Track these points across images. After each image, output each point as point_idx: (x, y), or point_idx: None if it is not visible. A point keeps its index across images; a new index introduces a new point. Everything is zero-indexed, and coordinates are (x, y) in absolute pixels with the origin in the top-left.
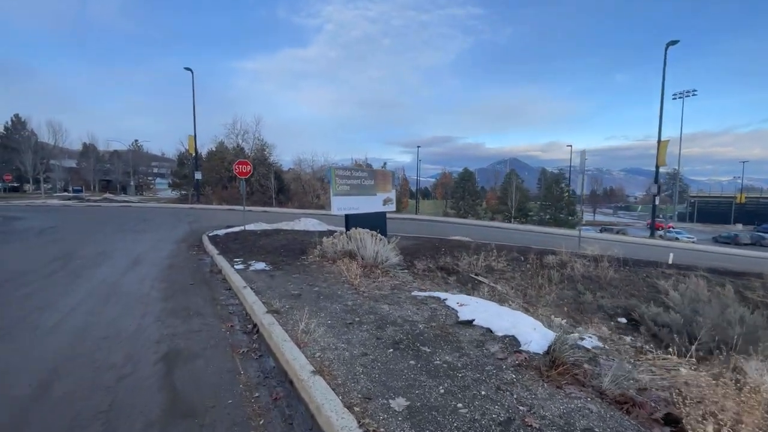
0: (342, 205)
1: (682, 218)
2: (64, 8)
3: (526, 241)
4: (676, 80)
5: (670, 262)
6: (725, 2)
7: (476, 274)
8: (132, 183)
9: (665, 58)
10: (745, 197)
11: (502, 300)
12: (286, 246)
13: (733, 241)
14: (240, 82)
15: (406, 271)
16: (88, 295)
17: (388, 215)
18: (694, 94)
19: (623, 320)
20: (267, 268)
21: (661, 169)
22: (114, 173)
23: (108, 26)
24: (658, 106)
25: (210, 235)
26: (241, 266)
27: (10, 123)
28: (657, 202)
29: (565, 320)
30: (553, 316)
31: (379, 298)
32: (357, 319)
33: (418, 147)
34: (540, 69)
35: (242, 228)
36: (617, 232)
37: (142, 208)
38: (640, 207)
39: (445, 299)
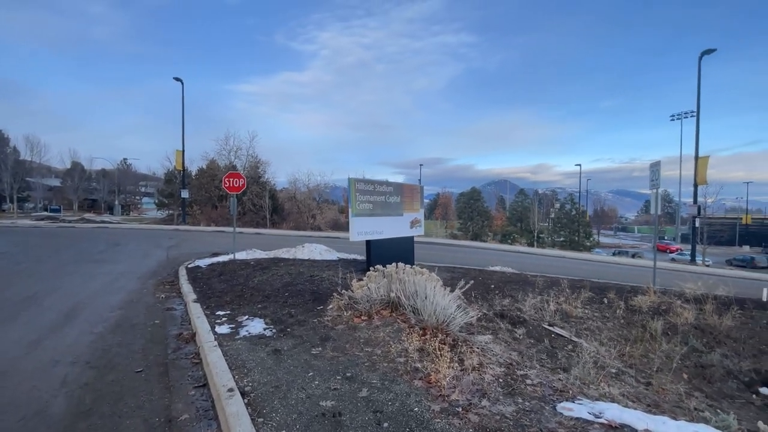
0: (363, 228)
1: (684, 239)
2: (55, 28)
3: (578, 272)
4: (670, 103)
5: (765, 299)
6: (706, 35)
7: (551, 325)
8: (117, 202)
9: (699, 68)
10: (751, 218)
11: (599, 365)
12: (291, 287)
13: (749, 264)
14: (236, 104)
15: (490, 336)
16: None
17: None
18: (692, 115)
19: (766, 391)
20: (268, 333)
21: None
22: (100, 192)
23: (102, 46)
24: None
25: (189, 266)
26: (226, 328)
27: None
28: (697, 224)
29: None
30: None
31: (509, 431)
32: None
33: (421, 165)
34: (529, 94)
35: (231, 257)
36: (633, 256)
37: (118, 230)
38: (636, 228)
39: None
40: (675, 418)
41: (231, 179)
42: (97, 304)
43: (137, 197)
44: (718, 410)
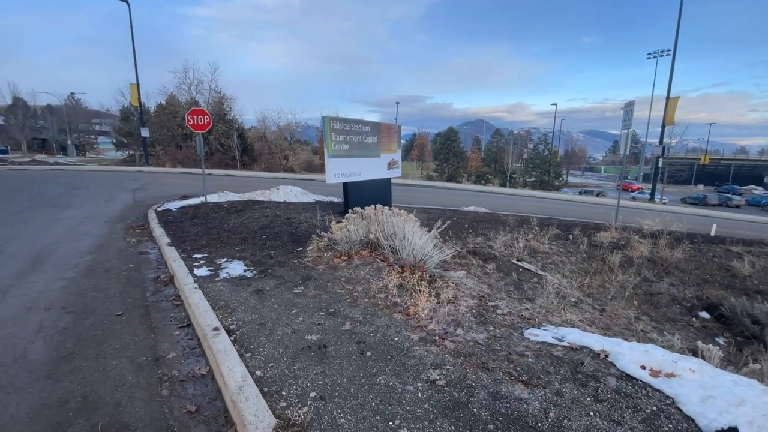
0: (340, 170)
1: (646, 179)
2: None
3: (547, 211)
4: (643, 44)
5: (712, 234)
6: None
7: (519, 260)
8: (70, 142)
9: (681, 7)
10: (709, 159)
11: (561, 295)
12: (268, 229)
13: (701, 202)
14: (192, 30)
15: (463, 271)
16: None
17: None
18: (668, 54)
19: (705, 315)
20: (248, 274)
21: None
22: (49, 131)
23: None
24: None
25: (159, 209)
26: (205, 271)
27: None
28: (660, 164)
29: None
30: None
31: (481, 355)
32: None
33: (397, 103)
34: (509, 27)
35: (203, 199)
36: (597, 195)
37: (76, 172)
38: (603, 168)
39: (606, 355)
40: (627, 340)
41: (195, 116)
42: (65, 250)
43: (91, 136)
44: (664, 332)
